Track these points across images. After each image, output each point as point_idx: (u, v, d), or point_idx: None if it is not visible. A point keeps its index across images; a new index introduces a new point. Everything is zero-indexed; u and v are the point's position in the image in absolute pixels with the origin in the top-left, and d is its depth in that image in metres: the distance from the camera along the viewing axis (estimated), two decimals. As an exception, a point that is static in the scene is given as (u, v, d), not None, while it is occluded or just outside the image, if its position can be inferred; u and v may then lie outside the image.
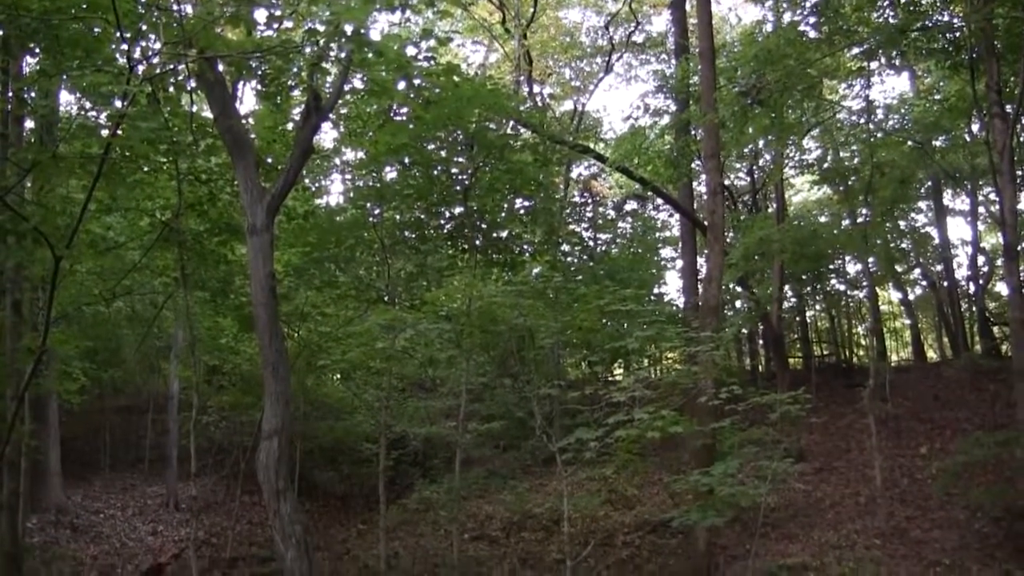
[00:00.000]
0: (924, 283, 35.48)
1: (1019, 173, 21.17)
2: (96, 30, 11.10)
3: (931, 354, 37.23)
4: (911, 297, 35.63)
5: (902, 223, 30.24)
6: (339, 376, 27.05)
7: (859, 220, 25.00)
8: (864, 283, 30.51)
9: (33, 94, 13.91)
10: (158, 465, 28.90)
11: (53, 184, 15.12)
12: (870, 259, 25.97)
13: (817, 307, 37.32)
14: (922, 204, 32.37)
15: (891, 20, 20.36)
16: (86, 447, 29.19)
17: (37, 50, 12.33)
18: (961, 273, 33.40)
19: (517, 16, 33.80)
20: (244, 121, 17.60)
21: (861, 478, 21.39)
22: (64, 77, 11.94)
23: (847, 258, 30.12)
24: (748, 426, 16.56)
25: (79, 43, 10.99)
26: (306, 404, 25.70)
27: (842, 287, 34.05)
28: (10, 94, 14.55)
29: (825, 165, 27.15)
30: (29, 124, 16.80)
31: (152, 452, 29.66)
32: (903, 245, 31.70)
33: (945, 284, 32.74)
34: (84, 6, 10.71)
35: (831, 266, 30.80)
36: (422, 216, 21.91)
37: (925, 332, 39.13)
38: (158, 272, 21.06)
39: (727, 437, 16.87)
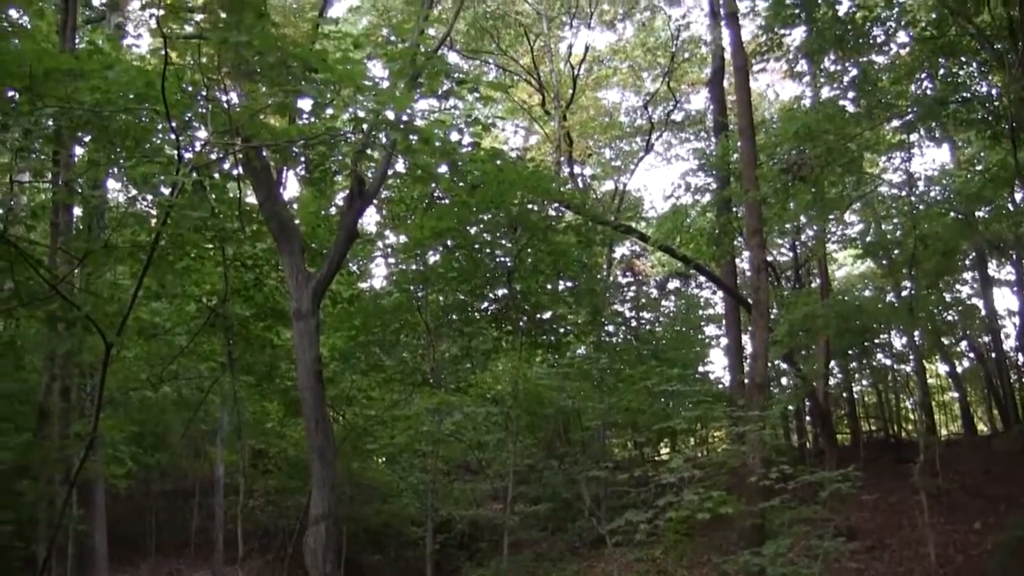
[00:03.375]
0: (972, 355, 35.13)
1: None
2: (144, 118, 11.27)
3: (981, 427, 36.80)
4: (959, 370, 35.22)
5: (947, 295, 29.94)
6: (384, 459, 27.03)
7: (904, 293, 24.81)
8: (911, 357, 30.25)
9: (82, 181, 14.07)
10: (204, 549, 28.80)
11: (102, 272, 15.29)
12: (916, 332, 25.76)
13: (864, 382, 37.02)
14: (967, 275, 32.06)
15: (929, 92, 20.41)
16: (132, 531, 29.14)
17: (87, 139, 12.48)
18: (1009, 344, 33.08)
19: (557, 98, 34.17)
20: (289, 206, 17.84)
21: (914, 555, 21.05)
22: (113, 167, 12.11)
23: (893, 332, 29.90)
24: (797, 504, 16.36)
25: (128, 133, 11.13)
26: (352, 487, 25.67)
27: (889, 361, 33.74)
28: (60, 183, 14.76)
29: (868, 239, 27.00)
30: (77, 211, 17.01)
31: (198, 536, 29.59)
32: (949, 317, 31.41)
33: (993, 355, 32.43)
34: (132, 96, 10.86)
35: (877, 340, 30.55)
36: (466, 299, 22.00)
37: (974, 405, 38.63)
38: (204, 357, 21.24)
39: (776, 516, 16.69)
